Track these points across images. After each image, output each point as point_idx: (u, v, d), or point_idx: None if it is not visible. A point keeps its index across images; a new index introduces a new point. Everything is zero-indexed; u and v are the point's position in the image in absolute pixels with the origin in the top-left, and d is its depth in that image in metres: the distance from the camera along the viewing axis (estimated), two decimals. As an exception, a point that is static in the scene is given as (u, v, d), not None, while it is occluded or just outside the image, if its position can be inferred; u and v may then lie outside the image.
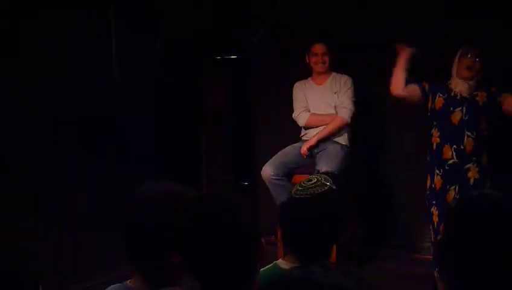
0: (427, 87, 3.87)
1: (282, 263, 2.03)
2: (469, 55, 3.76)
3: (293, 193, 2.01)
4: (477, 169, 3.64)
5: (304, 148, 4.43)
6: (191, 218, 1.62)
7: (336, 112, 4.52)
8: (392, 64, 4.41)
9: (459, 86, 3.75)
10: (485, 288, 1.41)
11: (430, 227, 3.80)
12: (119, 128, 4.49)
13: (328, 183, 1.99)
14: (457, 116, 3.71)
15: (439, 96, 3.81)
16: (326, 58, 4.51)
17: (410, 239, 4.77)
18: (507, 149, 4.03)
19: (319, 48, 4.50)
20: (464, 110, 3.70)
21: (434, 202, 3.73)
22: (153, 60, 4.95)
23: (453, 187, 3.67)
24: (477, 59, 3.75)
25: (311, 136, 4.56)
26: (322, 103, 4.56)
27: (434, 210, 3.73)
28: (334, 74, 4.60)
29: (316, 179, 2.02)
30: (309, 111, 4.59)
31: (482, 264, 1.41)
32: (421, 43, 3.94)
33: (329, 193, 1.97)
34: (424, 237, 4.61)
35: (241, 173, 5.35)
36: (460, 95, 3.74)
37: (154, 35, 4.93)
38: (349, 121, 4.49)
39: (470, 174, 3.65)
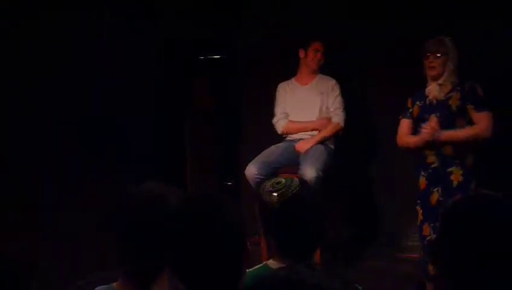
0: (410, 103, 3.82)
1: (271, 263, 2.02)
2: (428, 54, 3.67)
3: (275, 199, 1.98)
4: (460, 172, 3.58)
5: (304, 148, 4.39)
6: (179, 219, 1.62)
7: (323, 116, 4.54)
8: (376, 62, 4.48)
9: (432, 91, 3.68)
10: (472, 288, 1.40)
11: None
12: (108, 129, 4.47)
13: (295, 178, 2.04)
14: (432, 119, 3.64)
15: (416, 104, 3.77)
16: (323, 58, 4.56)
17: (395, 238, 4.79)
18: (495, 149, 3.99)
19: (320, 46, 4.54)
20: (438, 115, 3.63)
21: (419, 201, 3.72)
22: (144, 59, 4.91)
23: (436, 189, 3.63)
24: (438, 54, 3.64)
25: (297, 137, 4.56)
26: (306, 103, 4.57)
27: (418, 209, 3.72)
28: (320, 75, 4.63)
29: (284, 180, 2.02)
30: (287, 118, 4.61)
31: (470, 265, 1.41)
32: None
33: (301, 186, 1.99)
34: (409, 236, 4.63)
35: (225, 172, 5.34)
36: (436, 100, 3.68)
37: (149, 35, 4.89)
38: (343, 126, 4.53)
39: (452, 177, 3.58)
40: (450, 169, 3.59)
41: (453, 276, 1.46)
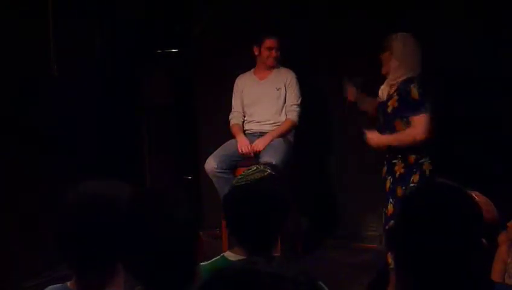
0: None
1: (229, 255, 2.02)
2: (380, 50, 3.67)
3: (233, 182, 2.01)
4: (402, 165, 3.62)
5: (261, 147, 4.37)
6: (125, 217, 1.59)
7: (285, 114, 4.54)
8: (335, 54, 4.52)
9: (381, 90, 3.70)
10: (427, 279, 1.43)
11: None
12: (59, 126, 4.39)
13: (267, 170, 2.00)
14: (380, 119, 3.72)
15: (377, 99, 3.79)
16: (278, 54, 4.52)
17: (354, 229, 4.84)
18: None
19: (273, 43, 4.49)
20: (381, 114, 3.69)
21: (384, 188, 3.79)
22: (92, 53, 4.84)
23: (389, 177, 3.70)
24: (386, 52, 3.62)
25: (255, 129, 4.58)
26: (263, 98, 4.58)
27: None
28: (277, 68, 4.61)
29: (255, 167, 2.02)
30: (240, 116, 4.63)
31: (426, 254, 1.43)
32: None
33: (268, 178, 1.97)
34: (368, 227, 4.70)
35: (184, 167, 5.32)
36: (380, 100, 3.71)
37: (93, 26, 4.82)
38: (297, 122, 4.54)
39: (396, 168, 3.64)
40: (394, 161, 3.66)
41: (408, 263, 1.47)
